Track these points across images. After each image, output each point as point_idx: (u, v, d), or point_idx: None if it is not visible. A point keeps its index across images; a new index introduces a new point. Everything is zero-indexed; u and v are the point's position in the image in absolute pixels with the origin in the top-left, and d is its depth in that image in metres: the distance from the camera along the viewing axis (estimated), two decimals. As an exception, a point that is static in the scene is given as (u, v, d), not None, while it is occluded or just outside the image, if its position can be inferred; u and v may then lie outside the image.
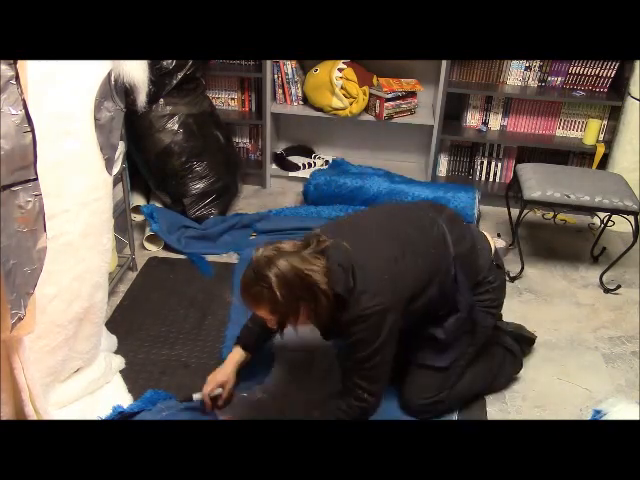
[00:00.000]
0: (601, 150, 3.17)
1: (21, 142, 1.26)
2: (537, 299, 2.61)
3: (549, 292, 2.65)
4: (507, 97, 3.25)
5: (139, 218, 3.00)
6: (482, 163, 3.45)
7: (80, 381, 1.92)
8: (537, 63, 3.19)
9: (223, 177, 3.07)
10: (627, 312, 2.56)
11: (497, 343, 2.12)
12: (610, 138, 3.16)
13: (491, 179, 3.47)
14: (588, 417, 2.01)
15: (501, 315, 2.18)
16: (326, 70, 3.17)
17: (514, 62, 3.20)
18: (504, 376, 2.12)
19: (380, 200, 3.05)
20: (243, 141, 3.57)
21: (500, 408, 2.05)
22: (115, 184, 2.15)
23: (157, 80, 2.73)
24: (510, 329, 2.21)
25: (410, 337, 1.89)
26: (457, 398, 1.99)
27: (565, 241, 3.07)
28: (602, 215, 2.82)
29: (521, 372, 2.18)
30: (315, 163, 3.49)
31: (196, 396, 1.90)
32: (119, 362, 2.12)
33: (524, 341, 2.23)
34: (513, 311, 2.45)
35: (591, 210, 2.68)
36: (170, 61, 2.83)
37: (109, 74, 1.78)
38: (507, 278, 2.07)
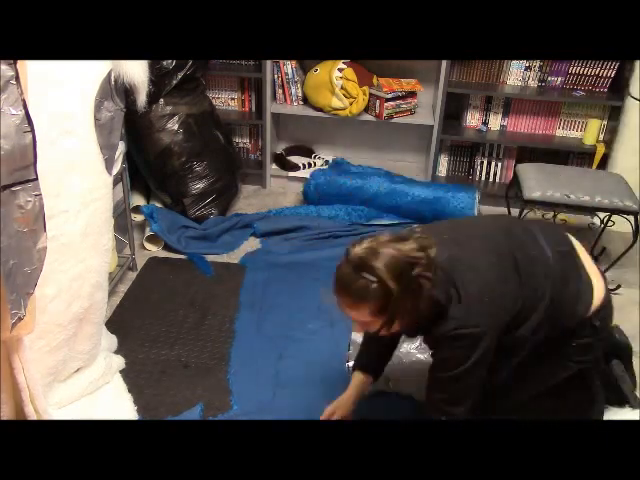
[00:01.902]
0: (601, 150, 3.17)
1: (21, 142, 1.26)
2: (537, 299, 2.61)
3: (549, 292, 2.65)
4: (507, 97, 3.25)
5: (139, 218, 3.00)
6: (482, 163, 3.45)
7: (80, 381, 1.92)
8: (537, 63, 3.19)
9: (223, 177, 3.07)
10: (627, 312, 2.56)
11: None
12: (610, 138, 3.16)
13: (491, 179, 3.47)
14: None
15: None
16: (326, 70, 3.17)
17: (514, 62, 3.21)
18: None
19: (380, 200, 3.05)
20: (243, 141, 3.57)
21: (500, 408, 2.05)
22: (115, 184, 2.15)
23: (157, 80, 2.73)
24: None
25: None
26: None
27: (565, 241, 3.06)
28: (602, 215, 2.82)
29: (521, 372, 2.18)
30: (315, 163, 3.49)
31: None
32: (119, 362, 2.12)
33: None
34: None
35: (591, 210, 2.68)
36: (170, 61, 2.83)
37: (109, 74, 1.78)
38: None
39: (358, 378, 1.78)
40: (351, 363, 2.17)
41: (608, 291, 1.67)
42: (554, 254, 1.60)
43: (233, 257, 2.83)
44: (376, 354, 1.81)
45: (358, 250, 1.41)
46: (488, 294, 1.48)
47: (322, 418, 1.75)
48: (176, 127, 2.91)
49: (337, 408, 1.76)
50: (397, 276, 1.37)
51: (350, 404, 1.76)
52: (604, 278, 1.69)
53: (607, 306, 1.66)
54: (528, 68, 3.21)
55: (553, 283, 1.56)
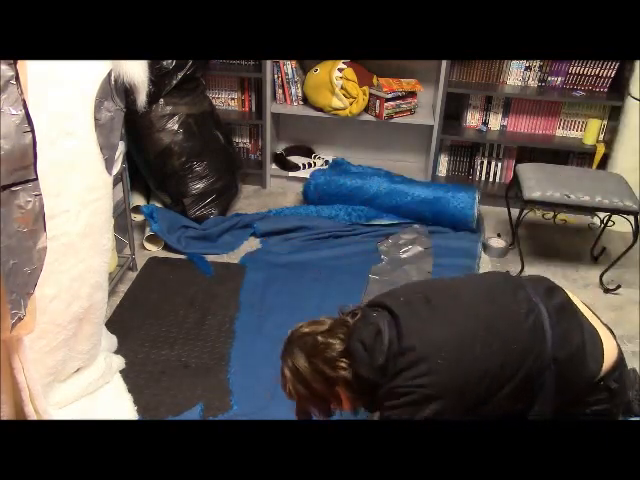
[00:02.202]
0: (601, 150, 3.17)
1: (21, 142, 1.26)
2: (537, 299, 2.61)
3: (549, 292, 2.65)
4: (507, 97, 3.25)
5: (139, 218, 3.01)
6: (482, 163, 3.45)
7: (80, 381, 1.92)
8: (537, 63, 3.19)
9: (223, 177, 3.07)
10: (627, 312, 2.56)
11: None
12: (610, 138, 3.16)
13: (491, 179, 3.47)
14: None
15: None
16: (326, 70, 3.17)
17: (514, 62, 3.21)
18: None
19: (380, 200, 3.05)
20: (243, 141, 3.57)
21: (500, 408, 2.05)
22: (115, 184, 2.15)
23: (157, 80, 2.73)
24: None
25: None
26: None
27: (565, 241, 3.07)
28: (602, 215, 2.82)
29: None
30: (315, 163, 3.49)
31: None
32: (119, 362, 2.12)
33: None
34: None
35: (591, 210, 2.68)
36: (170, 61, 2.83)
37: (109, 74, 1.78)
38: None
39: None
40: None
41: (619, 347, 1.49)
42: (550, 311, 1.44)
43: (233, 257, 2.83)
44: None
45: (286, 339, 1.48)
46: (449, 353, 1.35)
47: None
48: (176, 127, 2.91)
49: None
50: (302, 382, 1.42)
51: None
52: (612, 333, 1.51)
53: (621, 364, 1.48)
54: (528, 68, 3.21)
55: (553, 341, 1.40)
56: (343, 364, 1.39)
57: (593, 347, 1.43)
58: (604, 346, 1.45)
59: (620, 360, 1.47)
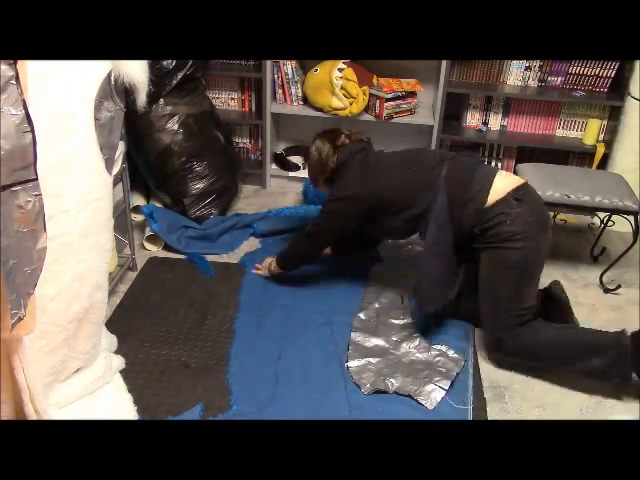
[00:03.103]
0: (601, 150, 3.17)
1: (21, 142, 1.26)
2: (537, 299, 2.61)
3: (549, 292, 2.65)
4: (507, 97, 3.25)
5: (139, 218, 3.01)
6: (482, 163, 3.45)
7: (80, 381, 1.92)
8: (537, 63, 3.19)
9: (223, 177, 3.07)
10: (627, 312, 2.56)
11: (612, 337, 2.10)
12: (610, 138, 3.16)
13: (491, 179, 3.47)
14: (588, 417, 2.02)
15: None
16: (326, 70, 3.17)
17: (514, 62, 3.21)
18: (588, 364, 2.06)
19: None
20: (243, 141, 3.57)
21: (500, 408, 2.05)
22: (115, 184, 2.15)
23: (157, 80, 2.74)
24: None
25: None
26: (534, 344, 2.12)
27: (565, 241, 3.07)
28: (602, 215, 2.82)
29: (521, 372, 2.19)
30: (315, 163, 3.48)
31: None
32: (119, 362, 2.12)
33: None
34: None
35: (591, 210, 2.68)
36: (170, 61, 2.83)
37: (109, 74, 1.78)
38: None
39: None
40: (351, 363, 2.18)
41: (520, 186, 2.14)
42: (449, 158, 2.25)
43: (233, 257, 2.83)
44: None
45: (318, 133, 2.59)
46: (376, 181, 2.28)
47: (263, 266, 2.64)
48: (176, 127, 2.91)
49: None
50: (316, 155, 2.48)
51: None
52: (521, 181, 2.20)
53: (511, 198, 2.11)
54: (528, 68, 3.21)
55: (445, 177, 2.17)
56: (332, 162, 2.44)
57: (481, 178, 2.16)
58: (497, 180, 2.14)
59: (515, 191, 2.11)
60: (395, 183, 2.26)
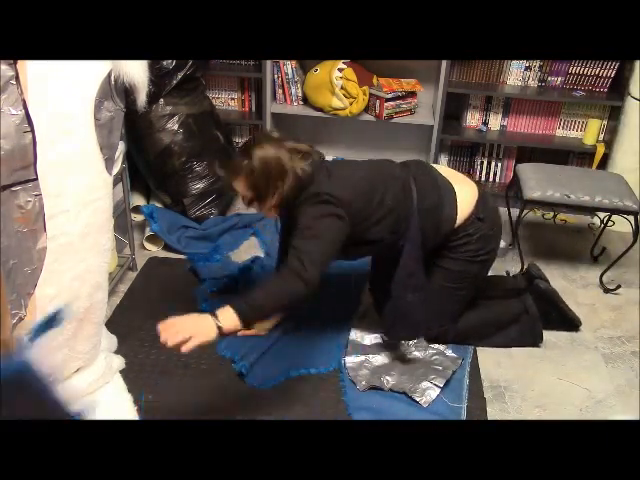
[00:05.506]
0: (601, 150, 3.17)
1: (21, 142, 1.26)
2: (537, 299, 2.60)
3: (549, 292, 2.65)
4: (507, 97, 3.25)
5: (139, 218, 3.00)
6: (482, 163, 3.45)
7: (80, 381, 1.92)
8: (537, 63, 3.19)
9: (223, 177, 3.07)
10: (627, 312, 2.56)
11: (519, 301, 2.34)
12: (610, 138, 3.16)
13: (491, 179, 3.47)
14: (588, 417, 2.02)
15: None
16: (326, 70, 3.17)
17: (514, 62, 3.21)
18: (507, 336, 2.30)
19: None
20: (243, 141, 3.57)
21: (500, 408, 2.05)
22: (115, 184, 2.15)
23: (157, 80, 2.73)
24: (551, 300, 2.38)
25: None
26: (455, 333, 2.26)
27: (565, 241, 3.07)
28: (602, 215, 2.82)
29: (521, 372, 2.19)
30: (315, 163, 3.48)
31: None
32: (119, 362, 2.12)
33: (563, 320, 2.39)
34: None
35: (591, 210, 2.68)
36: (170, 61, 2.83)
37: (109, 74, 1.78)
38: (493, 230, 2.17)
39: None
40: (348, 359, 2.19)
41: (480, 201, 2.12)
42: (414, 175, 2.11)
43: (233, 257, 2.83)
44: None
45: (257, 136, 2.12)
46: (352, 185, 1.98)
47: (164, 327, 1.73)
48: (176, 127, 2.91)
49: (198, 333, 1.70)
50: (264, 165, 1.88)
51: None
52: (478, 187, 2.18)
53: (479, 212, 2.10)
54: (528, 68, 3.21)
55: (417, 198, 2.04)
56: (297, 170, 1.92)
57: (449, 202, 2.08)
58: (460, 200, 2.09)
59: (477, 210, 2.10)
60: (366, 183, 2.03)
